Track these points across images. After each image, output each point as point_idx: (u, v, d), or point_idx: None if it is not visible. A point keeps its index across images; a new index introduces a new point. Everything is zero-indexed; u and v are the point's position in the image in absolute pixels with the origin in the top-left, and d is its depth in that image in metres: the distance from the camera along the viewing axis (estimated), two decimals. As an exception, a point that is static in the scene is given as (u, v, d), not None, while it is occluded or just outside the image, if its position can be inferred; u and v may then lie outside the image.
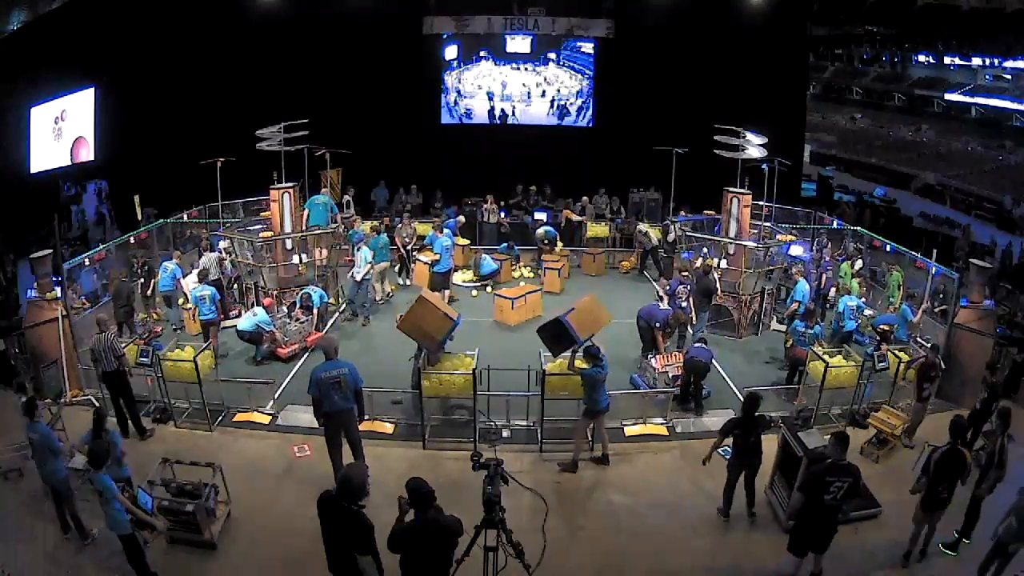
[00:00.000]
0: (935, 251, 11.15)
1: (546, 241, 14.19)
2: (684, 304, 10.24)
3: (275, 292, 10.93)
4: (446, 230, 12.50)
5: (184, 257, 11.86)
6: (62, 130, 15.18)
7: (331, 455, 6.81)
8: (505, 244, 14.52)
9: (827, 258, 13.06)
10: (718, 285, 10.73)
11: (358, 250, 11.35)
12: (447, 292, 11.86)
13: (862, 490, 5.70)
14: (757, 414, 6.52)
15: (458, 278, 13.55)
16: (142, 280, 11.53)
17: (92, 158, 16.00)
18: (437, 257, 11.82)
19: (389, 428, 8.19)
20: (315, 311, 10.56)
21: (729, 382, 9.51)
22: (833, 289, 11.63)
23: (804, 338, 9.10)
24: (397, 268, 13.42)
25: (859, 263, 12.51)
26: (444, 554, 4.37)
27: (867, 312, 11.25)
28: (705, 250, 11.80)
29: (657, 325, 9.50)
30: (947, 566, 6.18)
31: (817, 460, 5.95)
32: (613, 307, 12.38)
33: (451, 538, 4.32)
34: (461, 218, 14.60)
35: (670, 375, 8.93)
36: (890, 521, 6.58)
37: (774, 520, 6.74)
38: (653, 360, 9.16)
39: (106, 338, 7.75)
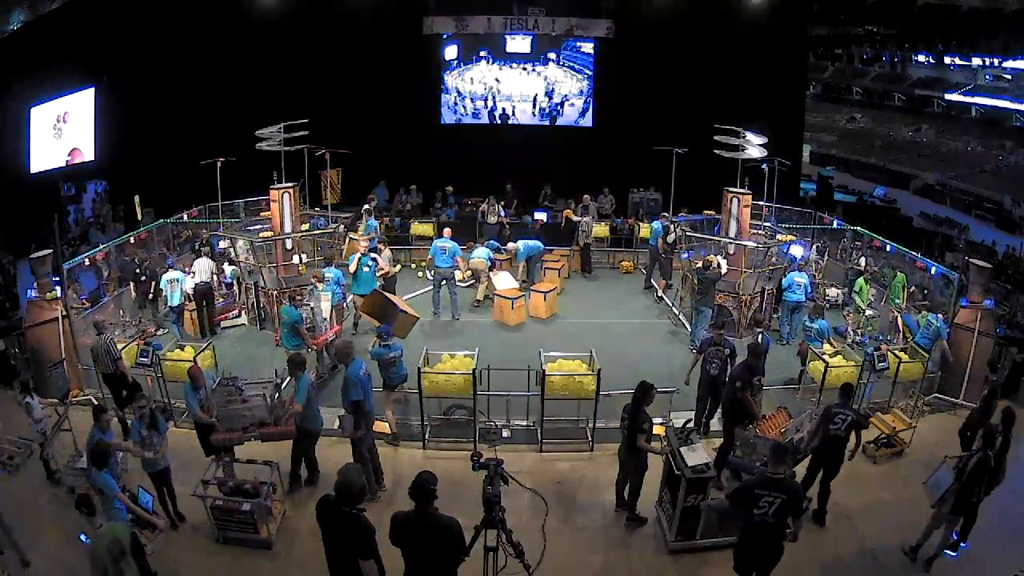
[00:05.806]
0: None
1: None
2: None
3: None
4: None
5: (182, 258, 11.86)
6: (63, 131, 15.19)
7: (364, 469, 5.80)
8: (495, 240, 13.73)
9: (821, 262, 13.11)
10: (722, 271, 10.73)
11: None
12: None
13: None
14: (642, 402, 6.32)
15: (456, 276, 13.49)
16: (143, 278, 11.49)
17: (92, 159, 16.03)
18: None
19: (388, 428, 8.15)
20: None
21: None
22: (831, 289, 11.74)
23: (810, 333, 9.21)
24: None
25: (863, 260, 12.51)
26: (442, 553, 4.30)
27: (869, 312, 11.27)
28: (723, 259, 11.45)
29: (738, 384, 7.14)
30: (946, 567, 6.17)
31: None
32: (614, 307, 12.52)
33: (446, 536, 4.24)
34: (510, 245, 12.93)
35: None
36: (890, 521, 6.57)
37: (654, 538, 6.48)
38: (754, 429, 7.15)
39: (104, 340, 7.74)
